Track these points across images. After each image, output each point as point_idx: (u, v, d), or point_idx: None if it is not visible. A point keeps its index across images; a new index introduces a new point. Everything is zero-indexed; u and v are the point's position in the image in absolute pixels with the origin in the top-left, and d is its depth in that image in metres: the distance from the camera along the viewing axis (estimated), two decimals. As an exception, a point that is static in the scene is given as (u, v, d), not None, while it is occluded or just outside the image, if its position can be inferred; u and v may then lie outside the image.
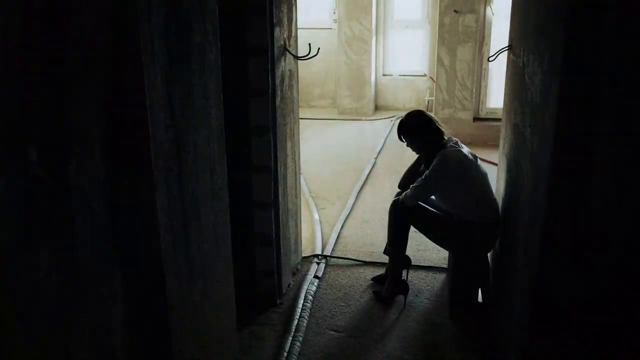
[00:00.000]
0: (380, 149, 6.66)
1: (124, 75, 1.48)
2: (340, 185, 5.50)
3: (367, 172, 5.82)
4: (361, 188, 5.39)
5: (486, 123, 6.89)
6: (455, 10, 6.70)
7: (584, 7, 1.74)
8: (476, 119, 7.03)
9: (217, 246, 2.08)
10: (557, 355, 2.09)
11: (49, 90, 1.22)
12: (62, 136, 1.26)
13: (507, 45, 3.35)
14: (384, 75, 8.96)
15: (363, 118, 8.39)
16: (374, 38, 8.43)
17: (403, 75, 8.91)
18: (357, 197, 5.14)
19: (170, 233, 1.69)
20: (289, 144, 3.36)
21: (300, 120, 7.74)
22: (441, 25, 6.84)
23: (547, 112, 2.03)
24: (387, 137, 7.11)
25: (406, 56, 8.89)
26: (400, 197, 3.22)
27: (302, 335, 3.03)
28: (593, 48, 1.74)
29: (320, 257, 3.95)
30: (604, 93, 1.77)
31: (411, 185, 3.16)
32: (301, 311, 3.23)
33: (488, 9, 6.71)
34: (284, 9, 3.10)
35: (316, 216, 4.64)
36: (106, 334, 1.53)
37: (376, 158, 6.33)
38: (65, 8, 1.26)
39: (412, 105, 8.35)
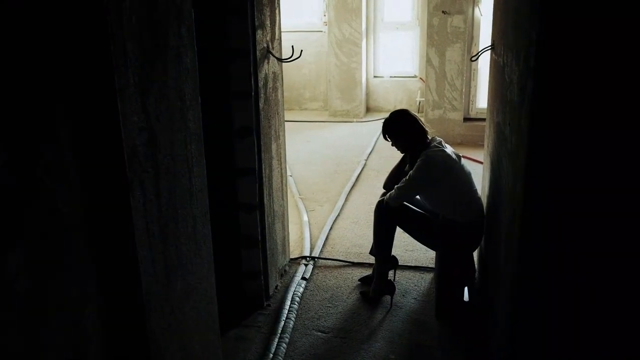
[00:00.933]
0: (371, 151, 6.68)
1: (96, 78, 1.49)
2: (330, 187, 5.51)
3: (357, 173, 5.83)
4: (351, 189, 5.40)
5: (476, 123, 6.92)
6: (443, 11, 6.73)
7: (558, 3, 1.75)
8: (466, 119, 7.05)
9: (197, 248, 2.08)
10: (541, 353, 2.10)
11: (15, 91, 1.23)
12: (29, 138, 1.27)
13: (489, 44, 3.37)
14: (374, 77, 8.99)
15: (354, 120, 8.42)
16: (364, 40, 8.46)
17: (394, 77, 8.94)
18: (346, 199, 5.15)
19: (146, 234, 1.70)
20: (274, 146, 3.37)
21: (291, 122, 7.74)
22: (430, 26, 6.86)
23: (523, 110, 2.04)
24: (377, 139, 7.12)
25: (397, 58, 8.92)
26: (385, 197, 3.23)
27: (288, 336, 3.04)
28: (567, 45, 1.76)
29: (308, 258, 3.96)
30: (578, 91, 1.78)
31: (395, 186, 3.17)
32: (288, 312, 3.24)
33: (476, 10, 6.74)
34: (267, 11, 3.11)
35: (305, 218, 4.65)
36: (80, 337, 1.53)
37: (366, 160, 6.34)
38: (33, 9, 1.27)
39: (404, 107, 8.36)
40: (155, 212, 1.75)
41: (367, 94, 8.95)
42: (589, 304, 1.96)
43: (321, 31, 8.87)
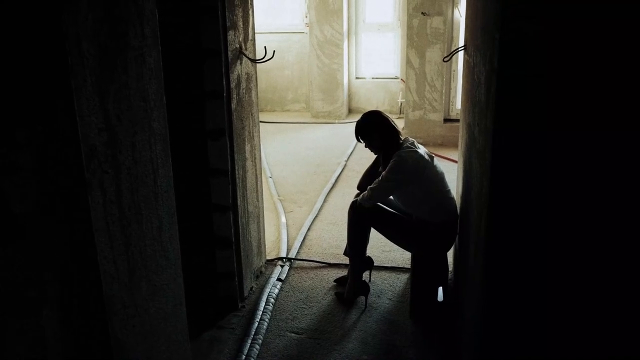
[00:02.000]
0: (351, 152, 6.68)
1: (51, 78, 1.47)
2: (310, 188, 5.51)
3: (336, 174, 5.83)
4: (330, 191, 5.40)
5: (456, 124, 6.93)
6: (423, 13, 6.75)
7: (518, 4, 1.76)
8: (446, 120, 7.08)
9: (162, 249, 2.07)
10: (512, 350, 2.11)
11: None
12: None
13: (462, 45, 3.39)
14: (356, 78, 9.01)
15: (336, 121, 8.42)
16: (345, 41, 8.47)
17: (376, 78, 8.96)
18: (325, 200, 5.15)
19: (106, 235, 1.68)
20: (247, 147, 3.36)
21: (273, 124, 7.71)
22: (410, 27, 6.88)
23: (488, 109, 2.05)
24: (358, 140, 7.13)
25: (378, 59, 8.94)
26: (358, 198, 3.23)
27: (261, 338, 3.03)
28: (530, 44, 1.76)
29: (284, 259, 3.95)
30: (539, 91, 1.79)
31: (368, 187, 3.18)
32: (262, 314, 3.23)
33: (456, 11, 6.77)
34: (239, 12, 3.11)
35: (283, 219, 4.64)
36: (38, 339, 1.52)
37: (347, 161, 6.35)
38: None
39: (385, 108, 8.41)
40: (116, 212, 1.74)
41: (349, 96, 8.96)
42: (561, 303, 1.98)
43: (303, 32, 8.87)
